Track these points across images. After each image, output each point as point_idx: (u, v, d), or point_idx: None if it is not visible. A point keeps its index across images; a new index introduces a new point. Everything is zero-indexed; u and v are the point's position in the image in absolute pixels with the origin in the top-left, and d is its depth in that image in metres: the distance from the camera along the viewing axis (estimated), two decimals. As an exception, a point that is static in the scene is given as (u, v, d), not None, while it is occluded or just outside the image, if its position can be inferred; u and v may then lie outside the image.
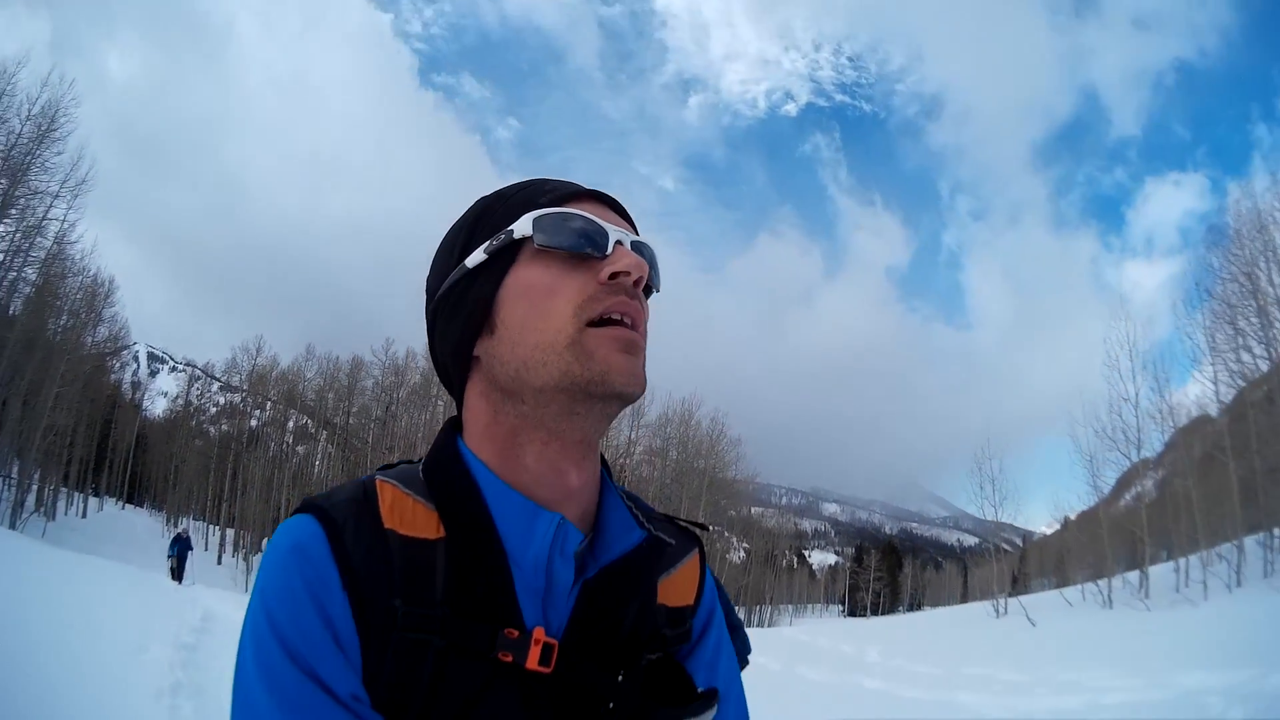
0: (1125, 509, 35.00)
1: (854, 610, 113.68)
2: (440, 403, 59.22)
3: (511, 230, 1.00)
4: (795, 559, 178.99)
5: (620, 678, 0.97)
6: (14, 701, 5.83)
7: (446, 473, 1.01)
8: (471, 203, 1.12)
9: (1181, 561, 27.42)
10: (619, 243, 1.01)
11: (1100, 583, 29.85)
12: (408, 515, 0.97)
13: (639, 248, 1.05)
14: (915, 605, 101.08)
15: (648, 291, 1.08)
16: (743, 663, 1.33)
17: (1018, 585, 44.59)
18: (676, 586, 1.15)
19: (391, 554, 0.93)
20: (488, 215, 1.06)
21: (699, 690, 1.02)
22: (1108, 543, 32.32)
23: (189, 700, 7.59)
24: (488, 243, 1.02)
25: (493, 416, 1.02)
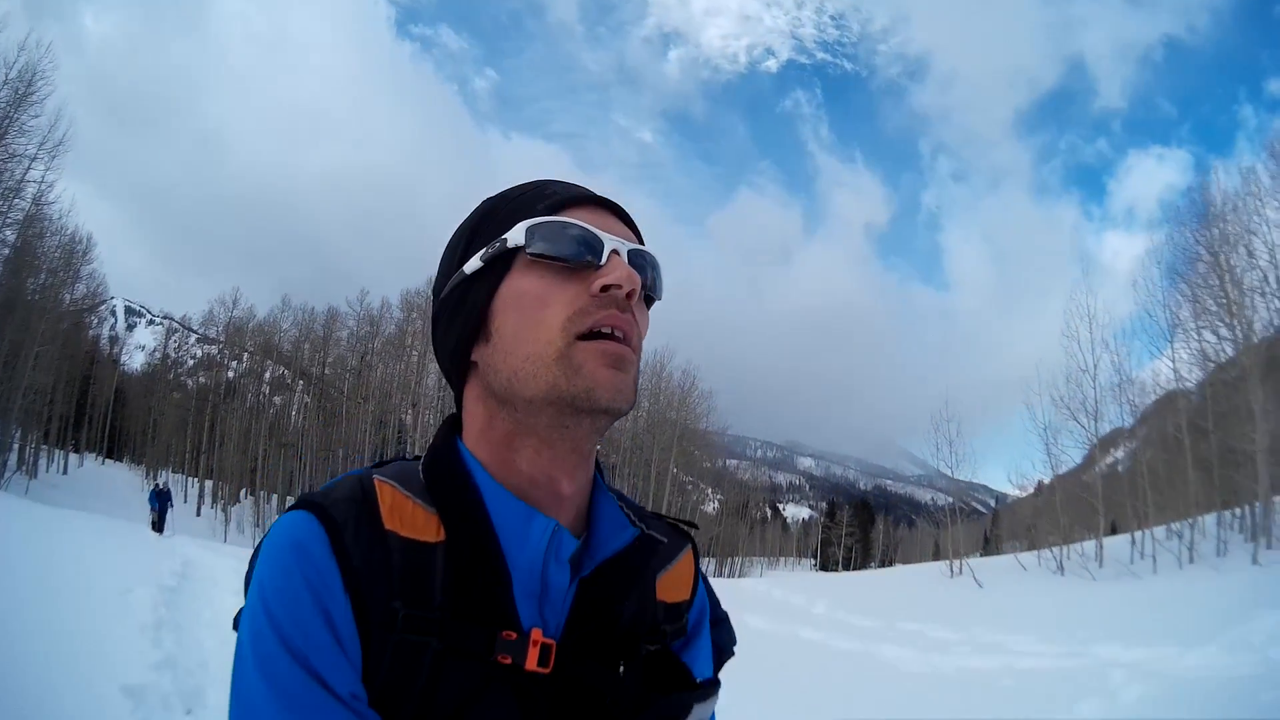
0: (1091, 479, 35.28)
1: (826, 565, 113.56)
2: (414, 353, 59.76)
3: (505, 239, 1.00)
4: (769, 512, 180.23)
5: (621, 670, 1.01)
6: (11, 638, 6.36)
7: (447, 476, 1.02)
8: (476, 203, 1.12)
9: (1139, 535, 27.91)
10: (615, 252, 1.01)
11: (1056, 550, 30.43)
12: (407, 517, 0.98)
13: (639, 257, 1.05)
14: (886, 562, 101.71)
15: (650, 301, 1.10)
16: (727, 654, 1.37)
17: (989, 546, 45.27)
18: (673, 583, 1.18)
19: (391, 555, 0.95)
20: (488, 220, 1.07)
21: (697, 680, 1.08)
22: (1060, 511, 33.10)
23: (170, 634, 8.33)
24: (484, 249, 1.02)
25: (488, 421, 1.03)
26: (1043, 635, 14.95)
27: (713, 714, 1.08)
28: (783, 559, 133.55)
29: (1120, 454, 37.56)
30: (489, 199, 1.11)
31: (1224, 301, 26.71)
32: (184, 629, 8.80)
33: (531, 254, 0.98)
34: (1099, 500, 31.08)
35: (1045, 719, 9.21)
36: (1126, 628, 14.35)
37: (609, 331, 0.98)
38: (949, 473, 40.33)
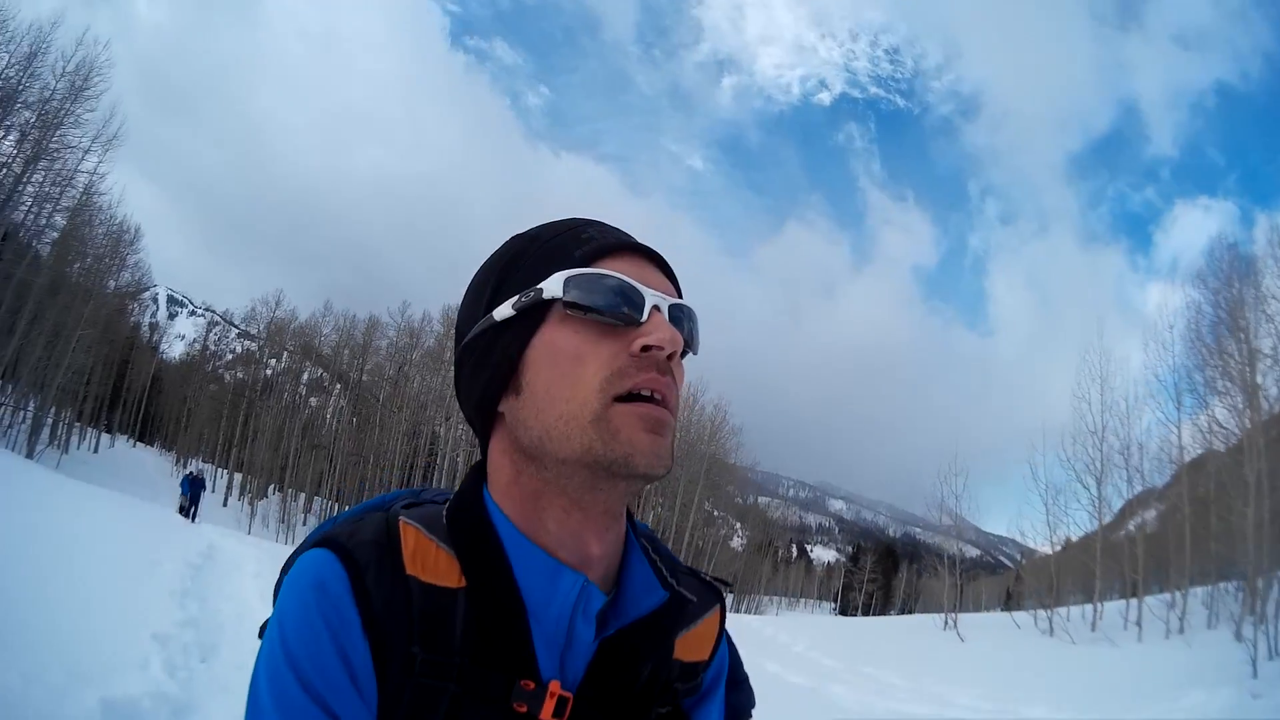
0: (1114, 540, 34.28)
1: (845, 609, 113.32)
2: (451, 368, 60.21)
3: (541, 289, 0.96)
4: (796, 552, 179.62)
5: None
6: (53, 589, 7.45)
7: (470, 522, 1.00)
8: (507, 241, 1.09)
9: (1134, 601, 27.54)
10: (656, 308, 0.97)
11: (1057, 610, 29.98)
12: (430, 562, 0.97)
13: (678, 313, 1.01)
14: (907, 610, 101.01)
15: (685, 351, 1.04)
16: (745, 717, 1.36)
17: (1011, 601, 44.73)
18: (694, 642, 1.14)
19: (412, 600, 0.93)
20: (519, 261, 1.02)
21: None
22: (1053, 572, 33.01)
23: (194, 601, 9.64)
24: (517, 297, 0.98)
25: (514, 475, 1.00)
26: (986, 692, 15.60)
27: None
28: (803, 600, 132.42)
29: (1148, 515, 35.87)
30: (519, 237, 1.07)
31: (1236, 367, 26.13)
32: (206, 599, 10.01)
33: (569, 307, 0.94)
34: (1097, 564, 30.78)
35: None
36: (1068, 692, 14.99)
37: (648, 394, 0.95)
38: (950, 524, 40.37)
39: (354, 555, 0.93)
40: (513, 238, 1.08)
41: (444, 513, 1.03)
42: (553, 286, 0.95)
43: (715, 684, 1.19)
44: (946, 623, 31.84)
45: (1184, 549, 26.48)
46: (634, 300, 0.95)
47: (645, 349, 0.94)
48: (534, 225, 1.09)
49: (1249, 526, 19.96)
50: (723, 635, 1.22)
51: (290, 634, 0.89)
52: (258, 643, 1.02)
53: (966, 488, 39.27)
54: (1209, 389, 28.39)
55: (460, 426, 57.29)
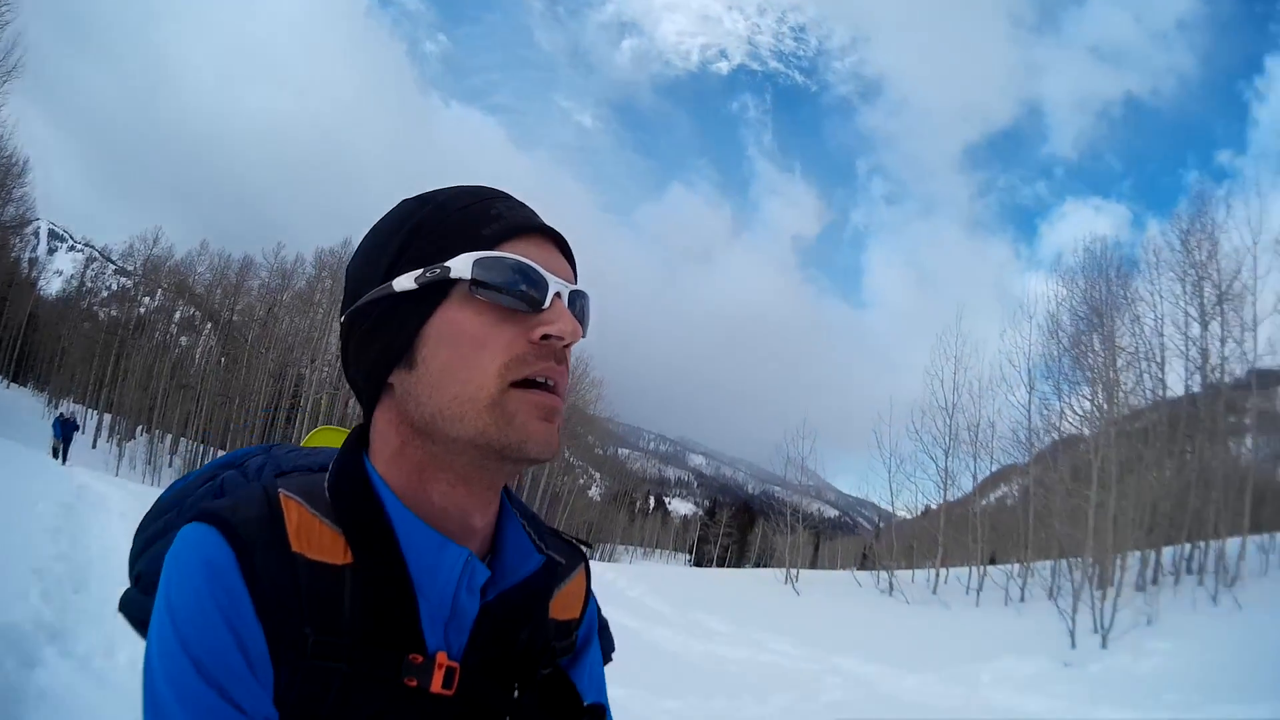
0: (963, 512, 36.40)
1: (700, 561, 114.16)
2: (320, 310, 59.80)
3: (449, 268, 0.94)
4: (654, 503, 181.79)
5: (517, 694, 1.00)
6: None
7: (355, 497, 0.98)
8: (405, 201, 1.05)
9: (975, 569, 29.05)
10: (558, 295, 0.97)
11: (901, 574, 31.38)
12: (315, 538, 0.95)
13: (577, 299, 1.01)
14: (761, 564, 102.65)
15: None
16: (606, 659, 1.39)
17: (866, 562, 46.18)
18: (565, 601, 1.16)
19: (299, 579, 0.91)
20: (423, 230, 0.99)
21: (585, 704, 1.08)
22: (893, 537, 34.60)
23: (67, 538, 10.32)
24: (421, 271, 0.95)
25: (400, 448, 0.99)
26: (802, 640, 16.42)
27: None
28: (659, 551, 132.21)
29: (1009, 490, 38.89)
30: (423, 202, 1.03)
31: (1096, 361, 27.38)
32: (77, 537, 10.69)
33: (476, 288, 0.94)
34: (940, 532, 32.56)
35: (733, 702, 10.13)
36: (883, 646, 15.84)
37: (543, 381, 0.96)
38: (796, 484, 42.07)
39: (240, 533, 0.92)
40: (415, 201, 1.05)
41: (325, 484, 1.01)
42: (460, 267, 0.94)
43: (588, 640, 1.24)
44: (788, 577, 32.71)
45: (1030, 526, 27.93)
46: (538, 286, 0.96)
47: (545, 338, 0.96)
48: (437, 189, 1.06)
49: (1091, 511, 21.16)
50: (590, 592, 1.26)
51: (182, 619, 0.87)
52: (121, 613, 1.21)
53: (815, 450, 40.84)
54: (1066, 379, 29.66)
55: (325, 369, 57.07)
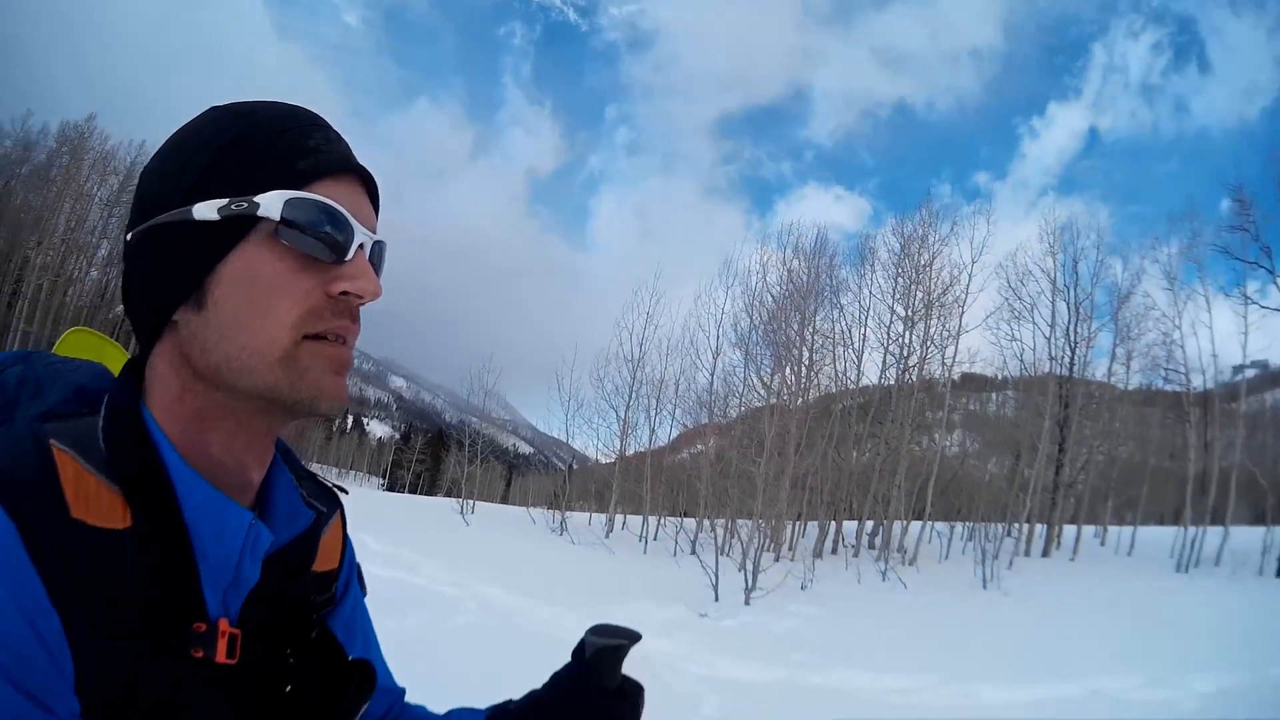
0: (639, 461, 37.52)
1: (393, 486, 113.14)
2: (53, 189, 53.82)
3: (258, 204, 0.85)
4: (351, 423, 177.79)
5: (291, 660, 0.96)
6: None
7: (134, 453, 0.87)
8: (216, 110, 0.95)
9: (651, 518, 30.65)
10: (361, 248, 0.91)
11: (575, 515, 32.78)
12: (93, 499, 0.82)
13: (379, 250, 0.97)
14: (454, 494, 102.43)
15: None
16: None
17: (556, 500, 47.09)
18: (324, 552, 1.09)
19: (85, 551, 0.79)
20: (234, 151, 0.89)
21: (350, 658, 1.02)
22: (567, 479, 36.52)
23: None
24: (225, 202, 0.86)
25: (180, 393, 0.90)
26: (453, 567, 17.04)
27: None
28: (354, 472, 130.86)
29: (705, 448, 40.26)
30: (236, 115, 0.93)
31: (793, 339, 29.17)
32: None
33: (282, 230, 0.86)
34: (618, 481, 34.11)
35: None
36: (528, 582, 16.48)
37: (334, 337, 0.91)
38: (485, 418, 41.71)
39: (18, 500, 0.77)
40: (229, 115, 0.94)
41: (99, 432, 0.88)
42: (270, 205, 0.86)
43: (348, 588, 1.18)
44: (463, 508, 33.53)
45: (707, 485, 28.64)
46: (345, 235, 0.90)
47: (344, 294, 0.90)
48: (254, 101, 0.97)
49: (760, 477, 22.45)
50: (347, 539, 1.20)
51: None
52: None
53: (505, 383, 42.03)
54: (758, 351, 31.57)
55: (50, 253, 52.12)
